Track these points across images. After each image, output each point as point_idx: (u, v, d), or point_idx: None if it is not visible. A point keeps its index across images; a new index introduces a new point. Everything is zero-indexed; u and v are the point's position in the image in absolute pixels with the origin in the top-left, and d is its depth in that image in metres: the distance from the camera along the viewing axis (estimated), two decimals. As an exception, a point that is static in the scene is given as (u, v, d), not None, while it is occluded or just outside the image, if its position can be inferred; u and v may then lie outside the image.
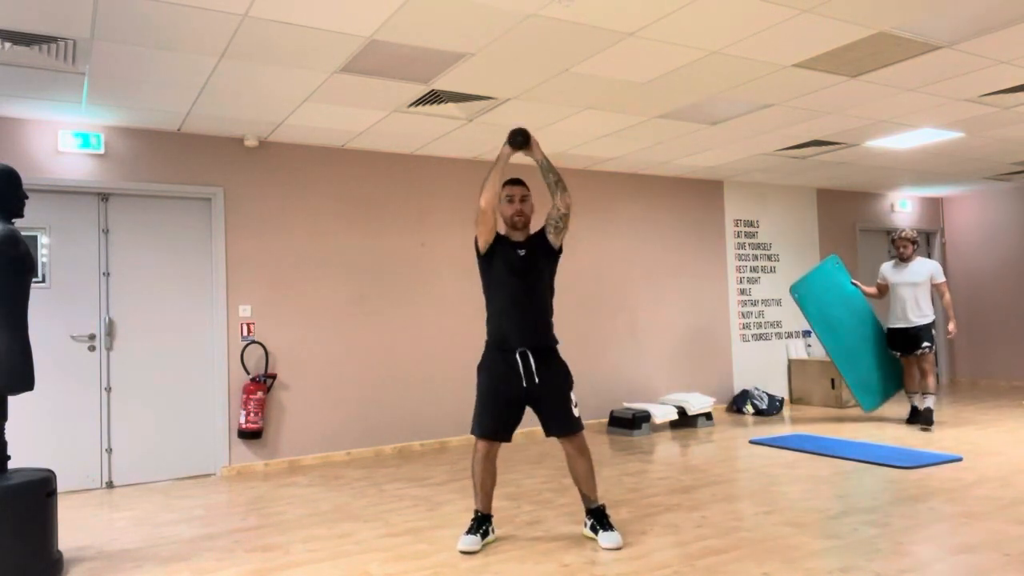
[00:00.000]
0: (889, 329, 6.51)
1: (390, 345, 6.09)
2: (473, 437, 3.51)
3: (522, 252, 3.50)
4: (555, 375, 3.47)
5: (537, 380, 3.41)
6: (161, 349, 5.33)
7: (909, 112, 5.46)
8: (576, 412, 3.49)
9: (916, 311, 6.32)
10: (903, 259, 6.41)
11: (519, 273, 3.46)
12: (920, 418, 6.34)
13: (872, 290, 6.64)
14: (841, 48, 4.09)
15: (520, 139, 3.44)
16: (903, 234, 6.40)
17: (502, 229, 3.60)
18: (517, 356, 3.41)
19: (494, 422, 3.44)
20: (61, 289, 5.06)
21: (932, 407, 6.31)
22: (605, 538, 3.42)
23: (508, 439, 3.48)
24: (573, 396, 3.50)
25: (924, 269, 6.34)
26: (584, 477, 3.50)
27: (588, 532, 3.54)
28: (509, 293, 3.46)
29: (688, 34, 3.82)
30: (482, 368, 3.53)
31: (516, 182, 3.61)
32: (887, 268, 6.53)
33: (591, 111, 5.18)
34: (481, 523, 3.48)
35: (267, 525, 3.99)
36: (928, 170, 7.83)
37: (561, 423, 3.45)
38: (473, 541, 3.39)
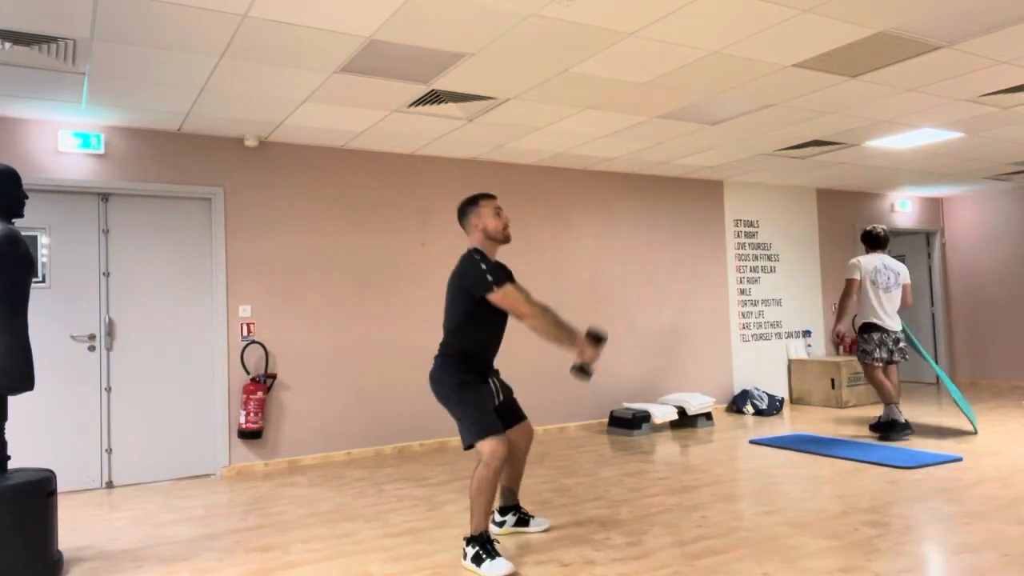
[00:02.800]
0: None
1: (390, 345, 6.09)
2: (474, 452, 3.26)
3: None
4: (506, 385, 3.60)
5: (502, 397, 3.51)
6: (161, 349, 5.33)
7: (909, 112, 5.46)
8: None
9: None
10: None
11: (504, 316, 3.43)
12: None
13: None
14: (841, 48, 4.09)
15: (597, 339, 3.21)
16: None
17: (477, 243, 3.41)
18: (490, 381, 3.45)
19: (495, 418, 3.29)
20: (61, 289, 5.06)
21: (881, 418, 5.97)
22: (540, 523, 3.73)
23: None
24: None
25: None
26: (522, 472, 3.69)
27: (511, 528, 3.68)
28: (495, 332, 3.44)
29: (688, 34, 3.82)
30: (464, 384, 3.30)
31: (495, 196, 3.50)
32: None
33: (591, 111, 5.18)
34: (491, 541, 3.20)
35: (267, 525, 3.99)
36: (928, 170, 7.83)
37: (520, 410, 3.61)
38: (507, 563, 3.09)
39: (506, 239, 3.42)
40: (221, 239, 5.49)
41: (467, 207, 3.46)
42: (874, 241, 6.11)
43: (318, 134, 5.56)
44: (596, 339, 3.16)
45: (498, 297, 3.20)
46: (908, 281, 6.07)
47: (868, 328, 5.96)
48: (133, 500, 4.72)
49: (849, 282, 5.98)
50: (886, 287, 5.94)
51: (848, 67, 4.42)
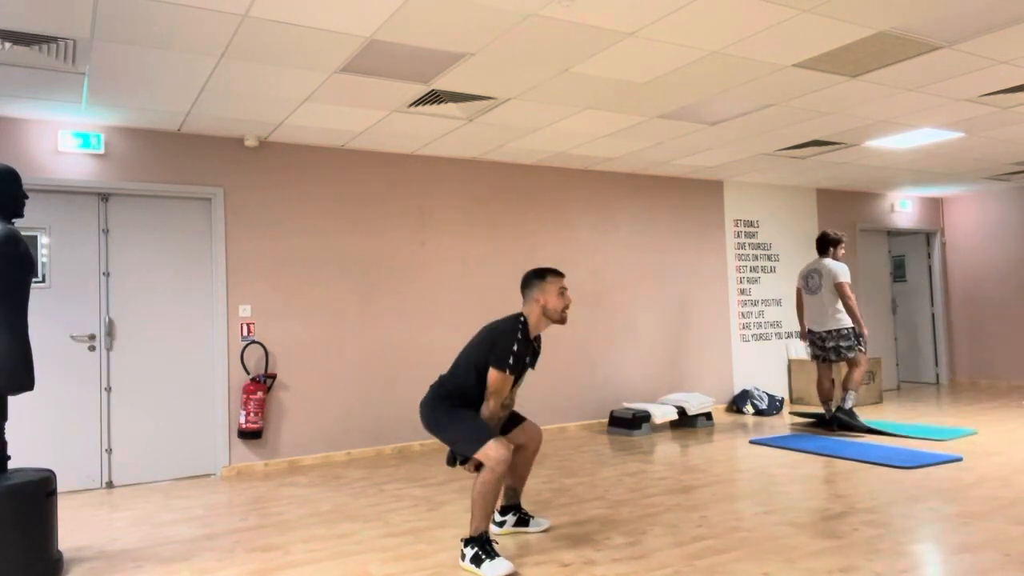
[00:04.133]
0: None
1: (390, 345, 6.09)
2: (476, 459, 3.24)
3: (532, 355, 3.47)
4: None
5: None
6: (161, 349, 5.33)
7: (909, 112, 5.46)
8: None
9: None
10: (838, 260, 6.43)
11: (521, 376, 3.45)
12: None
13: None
14: (841, 48, 4.09)
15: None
16: None
17: (531, 314, 3.41)
18: None
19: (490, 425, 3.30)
20: (61, 289, 5.06)
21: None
22: (540, 523, 3.73)
23: None
24: None
25: None
26: (527, 474, 3.72)
27: (511, 528, 3.69)
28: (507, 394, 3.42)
29: (688, 34, 3.82)
30: (456, 407, 3.35)
31: (563, 275, 3.48)
32: None
33: (591, 111, 5.18)
34: (490, 541, 3.19)
35: (267, 525, 3.99)
36: (928, 170, 7.83)
37: (517, 414, 3.64)
38: (507, 563, 3.09)
39: (562, 320, 3.42)
40: (221, 239, 5.49)
41: (533, 279, 3.44)
42: (816, 245, 6.57)
43: (318, 134, 5.56)
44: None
45: (493, 377, 3.25)
46: (838, 280, 6.23)
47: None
48: (133, 500, 4.72)
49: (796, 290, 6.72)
50: (812, 290, 6.40)
51: (848, 67, 4.42)
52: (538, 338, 3.50)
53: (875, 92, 4.94)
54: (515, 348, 3.27)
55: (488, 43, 3.86)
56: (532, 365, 3.49)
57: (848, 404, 6.21)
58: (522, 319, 3.35)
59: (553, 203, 6.96)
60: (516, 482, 3.68)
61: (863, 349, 6.28)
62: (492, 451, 3.14)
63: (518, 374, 3.37)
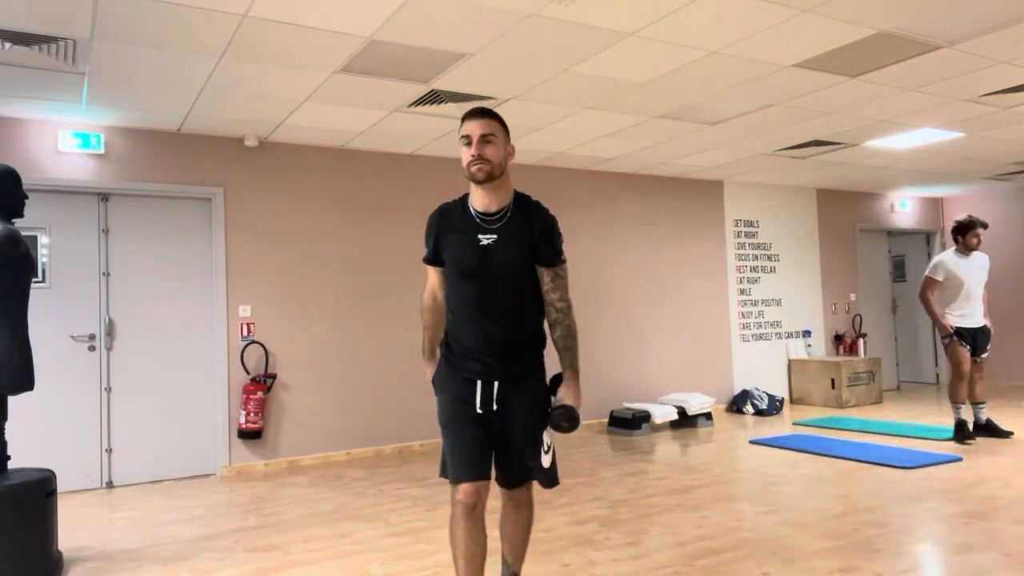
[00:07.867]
0: (965, 329, 5.67)
1: (390, 345, 6.09)
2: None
3: (486, 240, 2.33)
4: (524, 403, 2.37)
5: (496, 407, 2.36)
6: (161, 349, 5.33)
7: (909, 112, 5.46)
8: (547, 460, 2.39)
9: (983, 308, 5.72)
10: (972, 249, 5.72)
11: (476, 273, 2.34)
12: (991, 430, 5.72)
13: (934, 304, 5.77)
14: (841, 48, 4.09)
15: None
16: (983, 221, 5.72)
17: (472, 187, 2.39)
18: (477, 382, 2.35)
19: (466, 451, 2.31)
20: (61, 289, 5.06)
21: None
22: None
23: (488, 475, 2.34)
24: (546, 437, 2.39)
25: (985, 262, 5.75)
26: (515, 539, 2.53)
27: None
28: (464, 302, 2.37)
29: (688, 34, 3.82)
30: (438, 384, 2.46)
31: (478, 114, 2.34)
32: (954, 261, 5.71)
33: (591, 111, 5.18)
34: None
35: (267, 525, 3.99)
36: (928, 170, 7.83)
37: (509, 463, 2.40)
38: None
39: (471, 178, 2.32)
40: (221, 239, 5.49)
41: None
42: None
43: (318, 134, 5.56)
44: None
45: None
46: (926, 272, 5.84)
47: None
48: (133, 500, 4.72)
49: None
50: None
51: (848, 67, 4.42)
52: (506, 214, 2.35)
53: (875, 92, 4.94)
54: (426, 229, 2.48)
55: (488, 43, 3.87)
56: (523, 258, 2.34)
57: (983, 419, 5.74)
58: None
59: (553, 203, 6.95)
60: (504, 548, 2.58)
61: (964, 345, 5.65)
62: (452, 489, 2.34)
63: (464, 261, 2.34)
